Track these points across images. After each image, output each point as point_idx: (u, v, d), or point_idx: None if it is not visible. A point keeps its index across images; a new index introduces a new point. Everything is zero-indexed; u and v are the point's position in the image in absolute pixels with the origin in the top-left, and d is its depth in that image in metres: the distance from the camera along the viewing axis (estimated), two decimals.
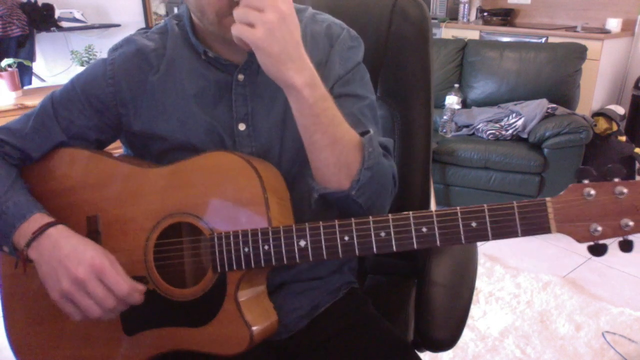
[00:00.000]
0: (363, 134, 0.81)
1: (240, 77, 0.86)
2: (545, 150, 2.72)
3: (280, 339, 0.91)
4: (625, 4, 3.65)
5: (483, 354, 1.91)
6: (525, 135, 2.86)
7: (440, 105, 3.15)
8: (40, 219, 0.81)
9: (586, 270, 2.47)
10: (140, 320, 0.82)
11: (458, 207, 0.68)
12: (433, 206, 2.86)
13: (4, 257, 0.90)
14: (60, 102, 0.90)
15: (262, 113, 0.87)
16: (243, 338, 0.79)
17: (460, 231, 0.69)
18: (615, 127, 3.08)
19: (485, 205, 0.67)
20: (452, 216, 0.69)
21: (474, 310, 2.18)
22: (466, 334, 2.02)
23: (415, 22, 1.04)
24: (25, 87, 3.02)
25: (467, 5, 4.16)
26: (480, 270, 2.17)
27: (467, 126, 3.05)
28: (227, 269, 0.78)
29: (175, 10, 3.91)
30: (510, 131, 2.89)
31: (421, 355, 0.91)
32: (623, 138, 3.03)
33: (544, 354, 1.92)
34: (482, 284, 2.35)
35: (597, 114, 3.21)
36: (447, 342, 0.87)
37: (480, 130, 2.97)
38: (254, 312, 0.81)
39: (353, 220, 0.73)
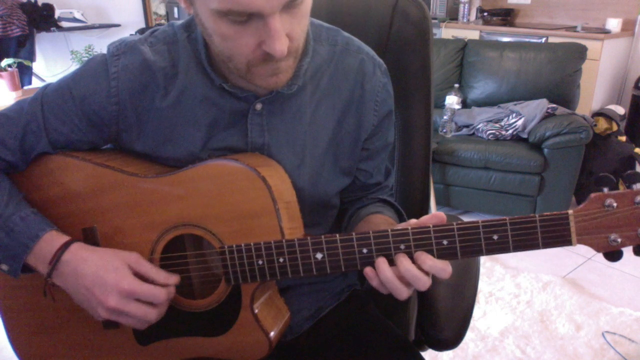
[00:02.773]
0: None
1: (258, 106, 0.82)
2: (545, 150, 2.72)
3: (285, 340, 0.92)
4: (625, 4, 3.65)
5: (483, 354, 1.92)
6: (525, 135, 2.86)
7: (440, 105, 3.16)
8: (51, 239, 0.77)
9: (586, 270, 2.47)
10: (154, 330, 0.80)
11: (480, 220, 0.68)
12: (433, 206, 2.86)
13: None
14: (53, 111, 0.81)
15: (278, 145, 0.84)
16: (263, 344, 0.79)
17: (481, 244, 0.68)
18: (615, 127, 3.08)
19: (507, 218, 0.67)
20: (474, 229, 0.68)
21: (474, 310, 2.18)
22: (466, 334, 2.02)
23: (416, 22, 1.04)
24: (25, 87, 3.02)
25: (467, 5, 4.16)
26: (480, 270, 2.17)
27: (467, 126, 3.05)
28: (241, 282, 0.77)
29: (176, 10, 3.90)
30: (510, 131, 2.89)
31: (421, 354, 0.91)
32: (623, 138, 3.03)
33: (544, 354, 1.92)
34: (482, 284, 2.35)
35: (597, 114, 3.21)
36: (452, 341, 0.88)
37: (480, 130, 2.97)
38: (269, 316, 0.81)
39: (371, 233, 0.71)
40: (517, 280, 2.37)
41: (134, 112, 0.81)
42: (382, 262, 0.71)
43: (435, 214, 0.71)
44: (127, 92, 0.80)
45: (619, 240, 0.66)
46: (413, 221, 0.72)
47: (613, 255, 0.67)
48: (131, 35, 0.93)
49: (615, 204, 0.65)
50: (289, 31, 0.68)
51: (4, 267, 0.78)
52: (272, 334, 0.80)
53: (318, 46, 0.84)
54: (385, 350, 0.89)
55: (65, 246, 0.76)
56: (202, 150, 0.82)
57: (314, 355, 0.91)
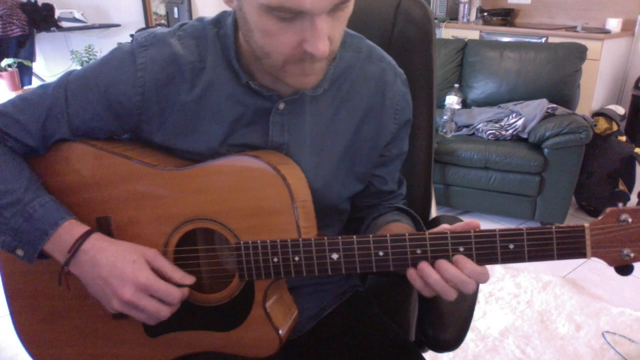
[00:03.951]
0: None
1: (281, 105, 0.82)
2: (545, 150, 2.72)
3: (288, 339, 0.92)
4: (625, 4, 3.65)
5: (483, 354, 1.92)
6: (525, 135, 2.86)
7: (440, 105, 3.16)
8: (71, 228, 0.77)
9: (586, 270, 2.47)
10: (163, 323, 0.79)
11: (497, 229, 0.69)
12: (433, 206, 2.86)
13: (4, 255, 0.86)
14: (76, 97, 0.81)
15: (297, 146, 0.84)
16: (273, 341, 0.80)
17: (497, 252, 0.69)
18: (615, 127, 3.09)
19: (524, 228, 0.68)
20: (490, 237, 0.69)
21: (474, 310, 2.18)
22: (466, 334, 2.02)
23: (418, 23, 1.04)
24: (25, 87, 3.02)
25: (467, 5, 4.16)
26: None
27: (467, 126, 3.05)
28: (255, 278, 0.77)
29: (176, 10, 3.90)
30: (510, 131, 2.90)
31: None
32: (623, 138, 3.03)
33: (544, 354, 1.92)
34: (482, 284, 2.35)
35: (597, 114, 3.22)
36: (452, 342, 0.88)
37: (480, 130, 2.97)
38: (280, 313, 0.82)
39: (389, 236, 0.71)
40: (517, 280, 2.38)
41: (158, 103, 0.81)
42: (426, 267, 0.71)
43: (469, 222, 0.72)
44: (152, 84, 0.80)
45: (632, 255, 0.66)
46: (446, 226, 0.73)
47: (624, 269, 0.68)
48: (158, 26, 0.94)
49: (630, 219, 0.66)
50: (330, 34, 0.69)
51: (20, 252, 0.78)
52: (282, 330, 0.80)
53: (343, 52, 0.85)
54: (386, 350, 0.89)
55: (85, 235, 0.76)
56: (222, 146, 0.83)
57: (316, 354, 0.92)
